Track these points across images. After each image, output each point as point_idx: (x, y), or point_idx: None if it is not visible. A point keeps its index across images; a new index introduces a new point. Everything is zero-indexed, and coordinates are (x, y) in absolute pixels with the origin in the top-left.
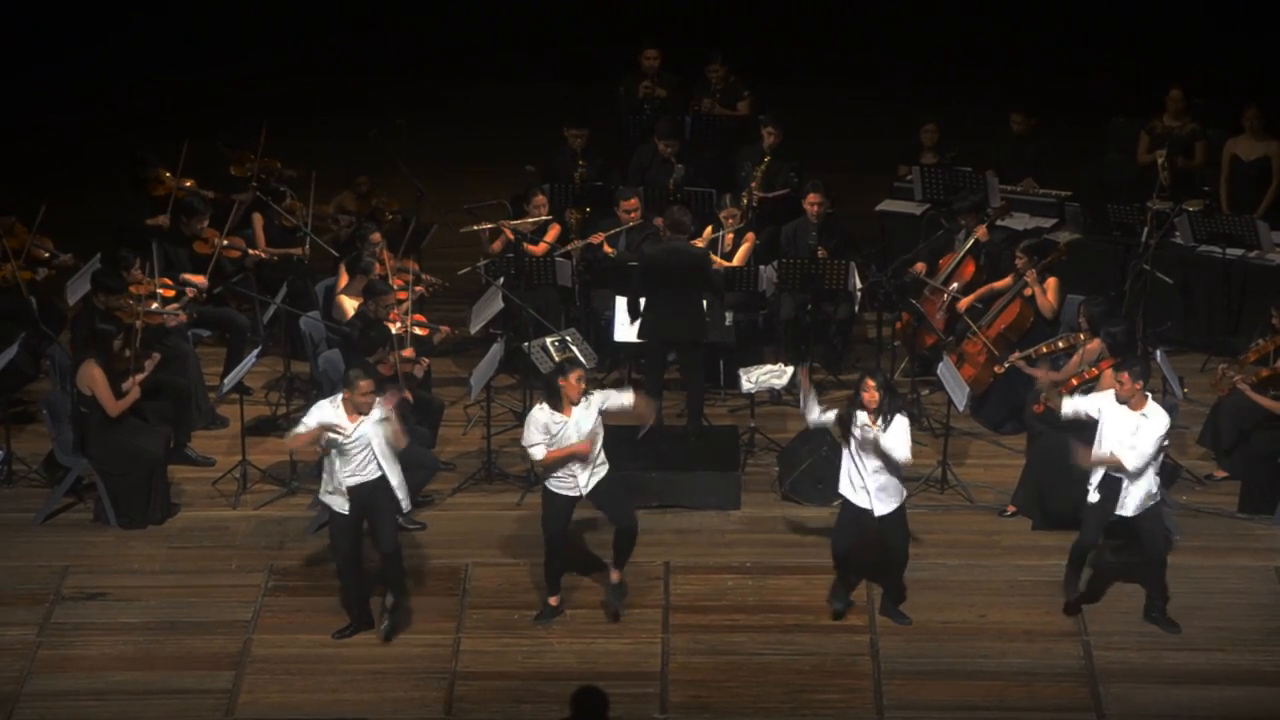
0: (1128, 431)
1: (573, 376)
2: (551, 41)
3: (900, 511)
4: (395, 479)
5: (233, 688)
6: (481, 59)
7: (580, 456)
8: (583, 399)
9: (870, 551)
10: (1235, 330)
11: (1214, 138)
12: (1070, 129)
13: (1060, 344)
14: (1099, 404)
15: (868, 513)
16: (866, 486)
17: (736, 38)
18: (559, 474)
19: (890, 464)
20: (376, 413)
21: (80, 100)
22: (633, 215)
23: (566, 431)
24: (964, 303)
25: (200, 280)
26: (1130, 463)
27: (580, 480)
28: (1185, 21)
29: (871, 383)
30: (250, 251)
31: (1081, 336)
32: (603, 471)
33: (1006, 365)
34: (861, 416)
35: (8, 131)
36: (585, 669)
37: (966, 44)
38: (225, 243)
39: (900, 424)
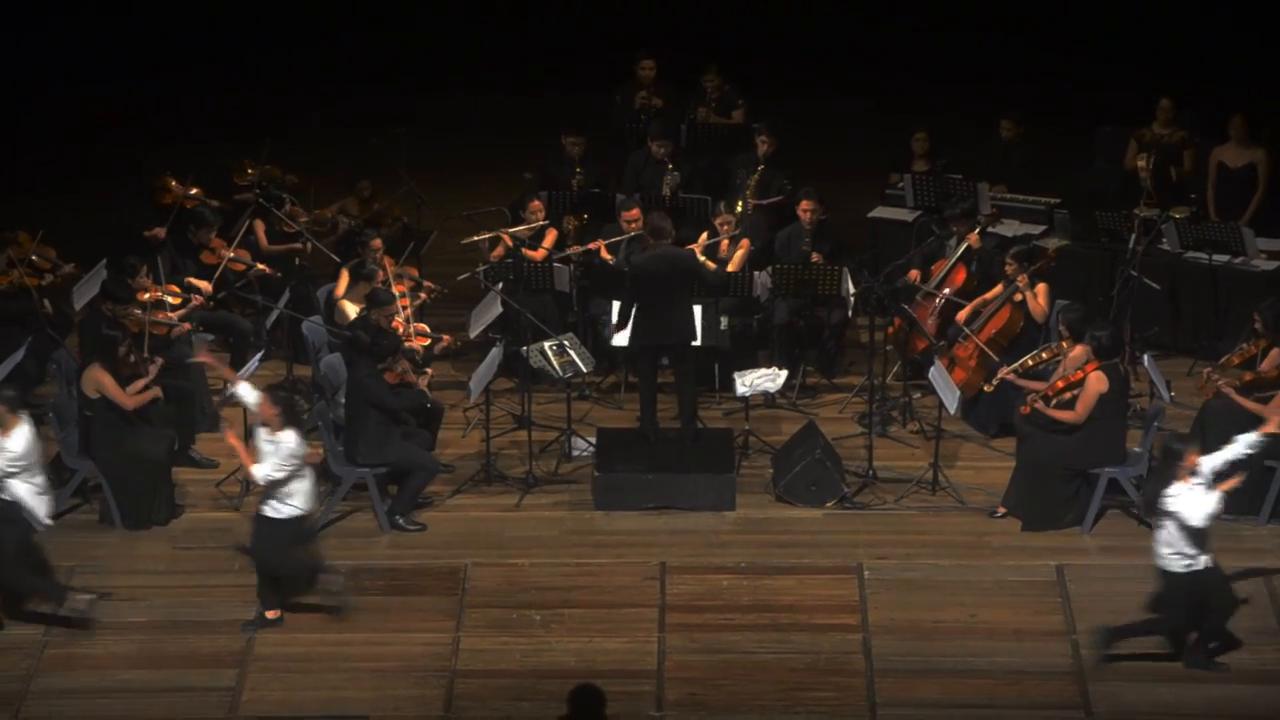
0: None
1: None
2: (547, 49)
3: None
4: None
5: (236, 685)
6: (477, 66)
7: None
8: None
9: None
10: (1221, 335)
11: (1201, 146)
12: (1058, 137)
13: (1045, 355)
14: None
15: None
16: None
17: (731, 47)
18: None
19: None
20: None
21: (83, 108)
22: (634, 225)
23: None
24: (962, 315)
25: (206, 286)
26: None
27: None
28: (1172, 30)
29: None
30: (258, 266)
31: (1065, 345)
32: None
33: (996, 383)
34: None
35: (12, 139)
36: (583, 667)
37: (956, 53)
38: (232, 255)
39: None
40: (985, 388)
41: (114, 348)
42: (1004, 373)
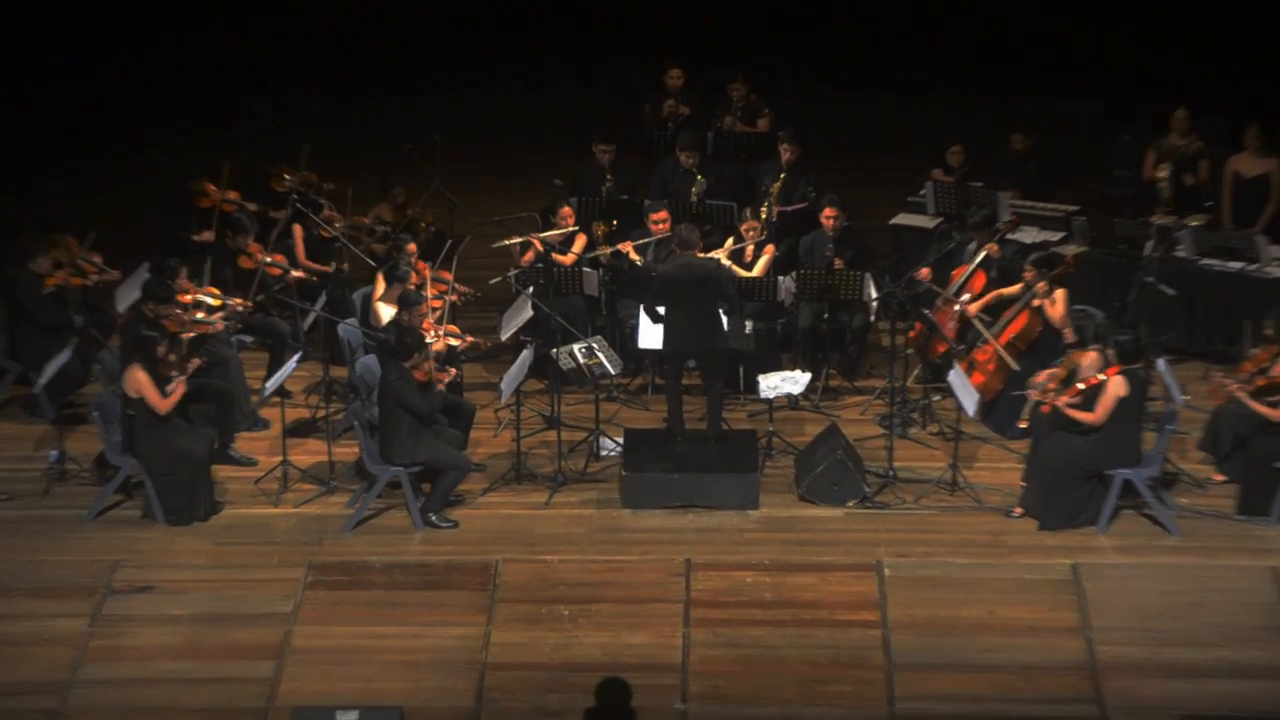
0: None
1: None
2: (577, 55)
3: None
4: None
5: (274, 676)
6: (508, 71)
7: None
8: None
9: None
10: (1234, 340)
11: (1217, 155)
12: (1077, 145)
13: (1061, 371)
14: None
15: None
16: None
17: (757, 53)
18: None
19: None
20: None
21: (123, 114)
22: (662, 226)
23: None
24: (973, 308)
25: (246, 304)
26: None
27: None
28: (1190, 39)
29: None
30: (292, 273)
31: (1077, 355)
32: None
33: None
34: None
35: (56, 143)
36: (609, 661)
37: (980, 61)
38: (268, 260)
39: None
40: (1019, 423)
41: (152, 348)
42: (1040, 401)
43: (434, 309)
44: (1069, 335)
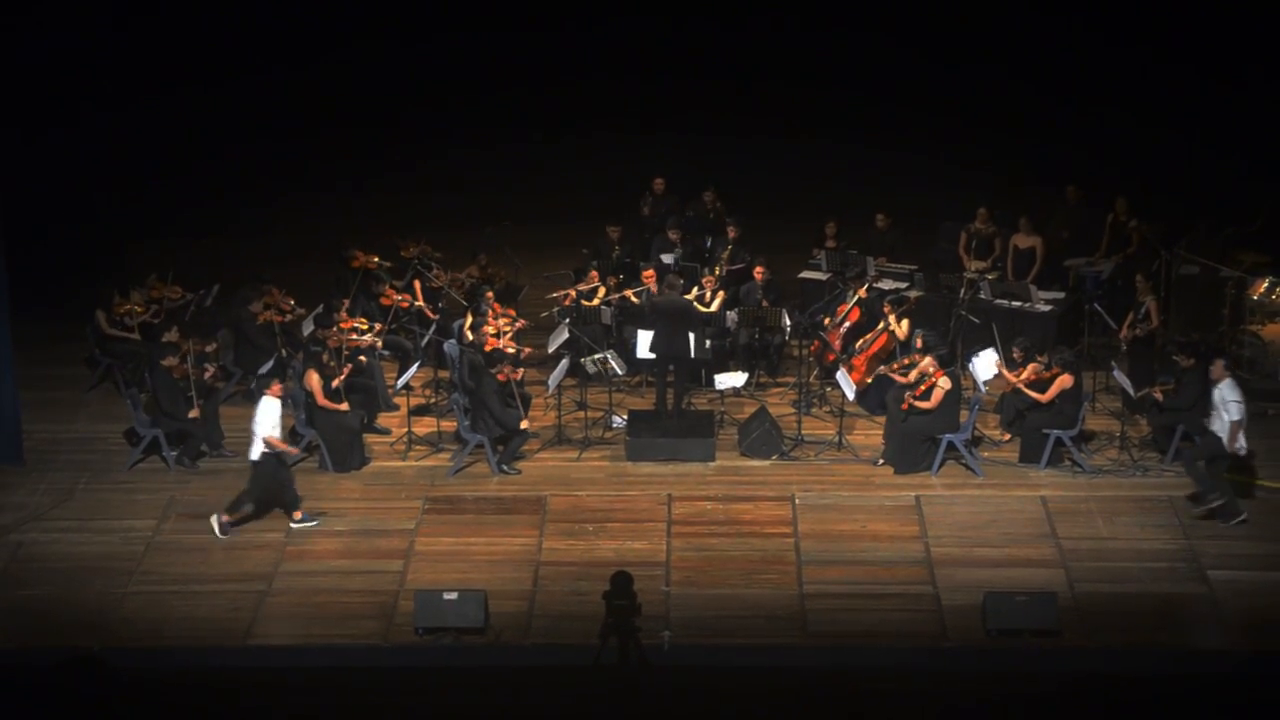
0: None
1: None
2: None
3: None
4: None
5: (403, 570)
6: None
7: None
8: None
9: None
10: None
11: (1004, 235)
12: (917, 228)
13: (906, 360)
14: None
15: None
16: None
17: (721, 171)
18: None
19: None
20: None
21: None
22: (649, 280)
23: None
24: (861, 344)
25: (383, 329)
26: None
27: None
28: (987, 160)
29: None
30: (416, 303)
31: (919, 357)
32: None
33: (875, 376)
34: None
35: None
36: (618, 560)
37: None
38: (399, 298)
39: None
40: (879, 370)
41: (320, 358)
42: (883, 370)
43: (504, 332)
44: (919, 343)
